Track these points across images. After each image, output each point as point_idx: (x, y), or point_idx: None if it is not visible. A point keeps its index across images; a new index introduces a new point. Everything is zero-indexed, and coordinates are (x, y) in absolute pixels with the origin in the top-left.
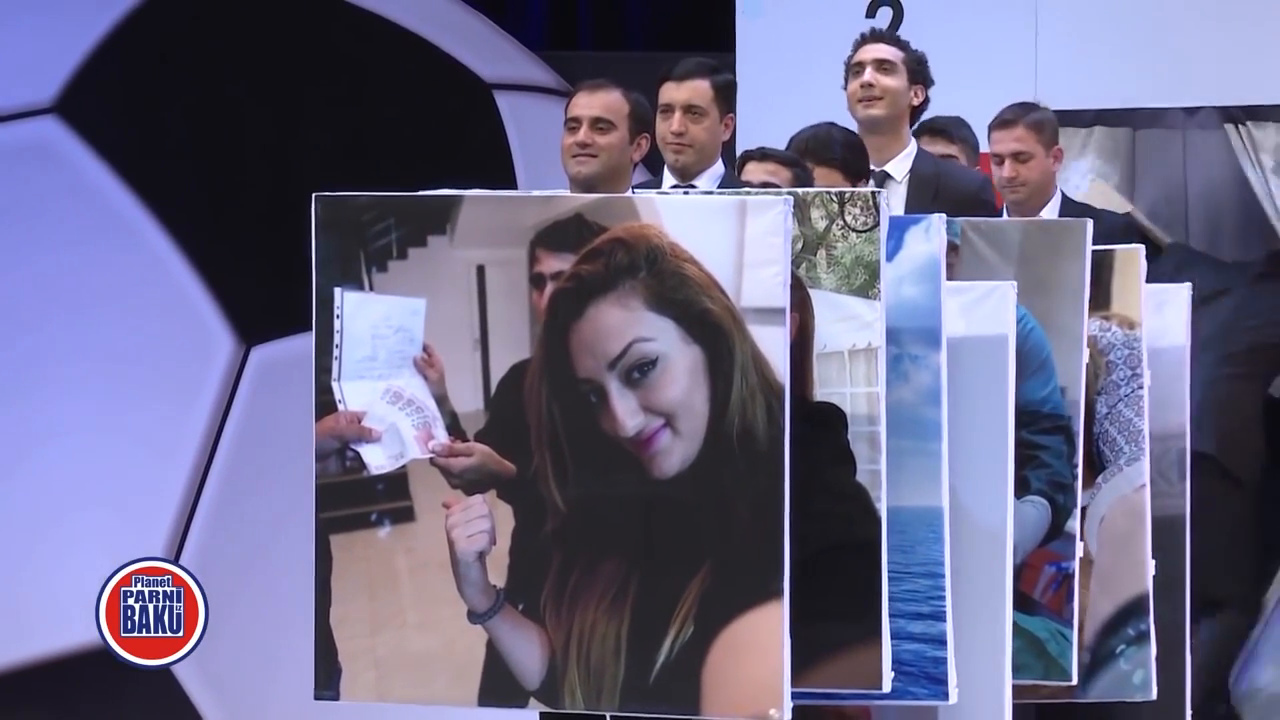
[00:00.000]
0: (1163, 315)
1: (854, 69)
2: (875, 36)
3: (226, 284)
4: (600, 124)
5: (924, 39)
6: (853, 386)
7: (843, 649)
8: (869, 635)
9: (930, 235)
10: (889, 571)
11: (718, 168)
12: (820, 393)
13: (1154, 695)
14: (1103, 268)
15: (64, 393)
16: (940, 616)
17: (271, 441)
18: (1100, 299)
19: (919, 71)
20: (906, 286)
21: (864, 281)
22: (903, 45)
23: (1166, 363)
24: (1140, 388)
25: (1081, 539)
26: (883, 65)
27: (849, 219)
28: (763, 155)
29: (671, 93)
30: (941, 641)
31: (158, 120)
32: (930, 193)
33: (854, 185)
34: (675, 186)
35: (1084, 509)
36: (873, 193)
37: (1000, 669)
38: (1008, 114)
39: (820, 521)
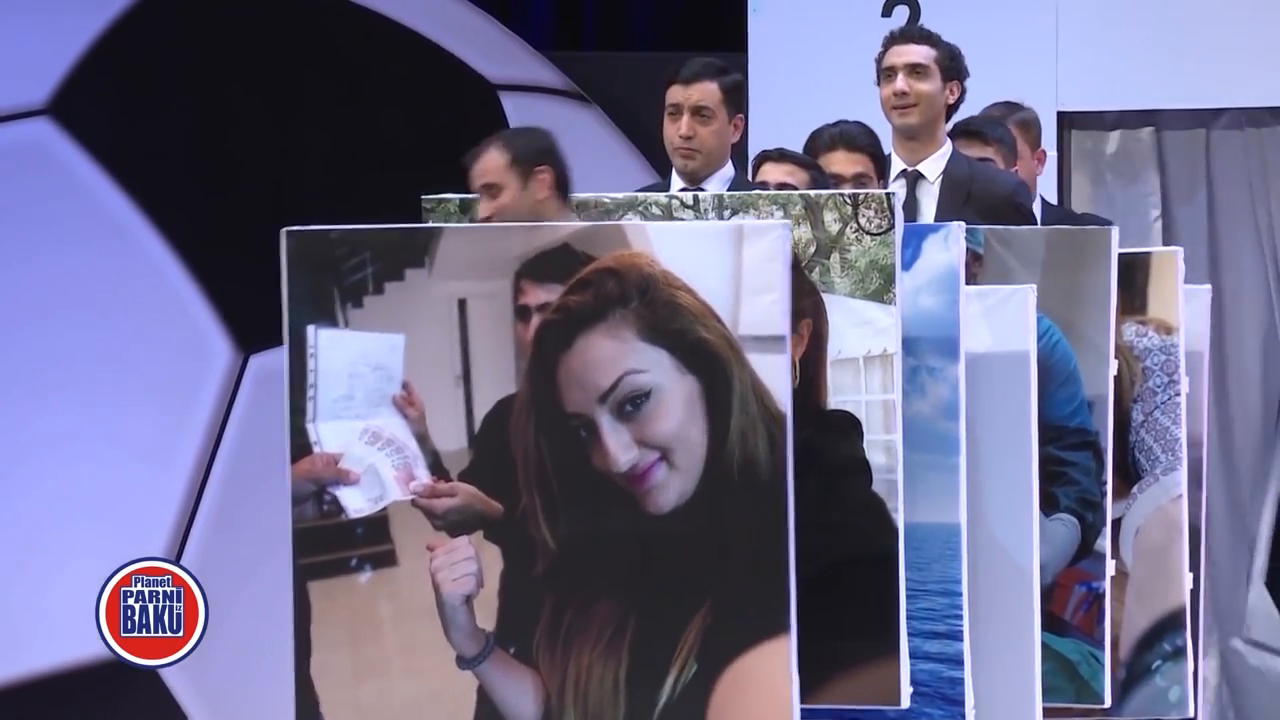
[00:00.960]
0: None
1: (885, 73)
2: (905, 36)
3: (224, 290)
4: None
5: None
6: (868, 394)
7: (860, 664)
8: (887, 650)
9: (949, 244)
10: (905, 589)
11: (727, 170)
12: (834, 400)
13: (1190, 712)
14: (1138, 270)
15: (59, 400)
16: (957, 636)
17: (270, 450)
18: (1136, 303)
19: (952, 68)
20: (924, 296)
21: (879, 286)
22: (934, 42)
23: (1186, 366)
24: (1177, 394)
25: (1113, 555)
26: (915, 70)
27: (863, 221)
28: (780, 156)
29: (679, 95)
30: (958, 661)
31: (153, 122)
32: (963, 195)
33: (879, 177)
34: (684, 189)
35: (1119, 520)
36: (887, 194)
37: (1030, 693)
38: (995, 111)
39: (835, 533)
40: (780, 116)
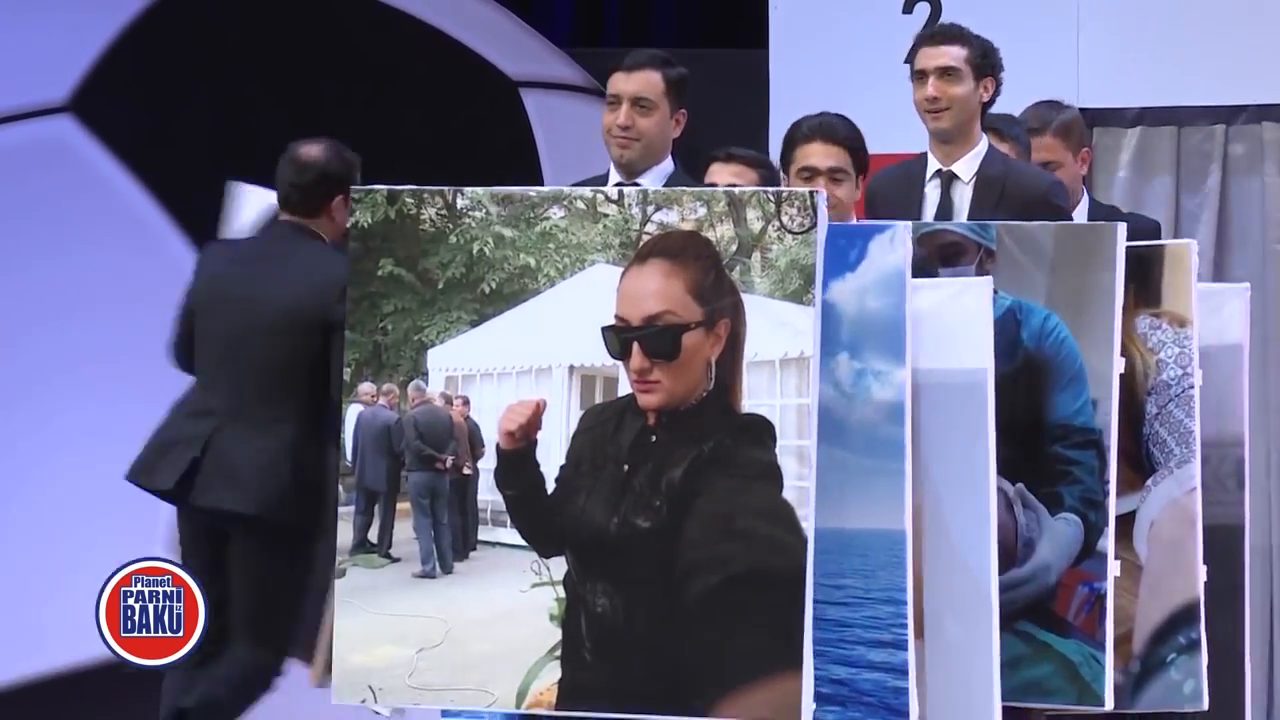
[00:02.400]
0: (1220, 316)
1: (917, 76)
2: (935, 38)
3: None
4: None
5: None
6: (783, 398)
7: (763, 677)
8: (791, 664)
9: (895, 245)
10: (849, 598)
11: (666, 165)
12: (748, 404)
13: (1205, 705)
14: (1153, 264)
15: (80, 397)
16: (902, 645)
17: None
18: (1150, 296)
19: (985, 65)
20: (870, 299)
21: (798, 287)
22: (966, 40)
23: (1224, 366)
24: (1191, 387)
25: (1128, 547)
26: (946, 73)
27: (785, 220)
28: (728, 157)
29: (620, 84)
30: (903, 671)
31: (175, 119)
32: (996, 194)
33: (859, 172)
34: (620, 184)
35: (1133, 513)
36: (811, 193)
37: (989, 697)
38: (1034, 121)
39: (743, 540)
40: (800, 112)
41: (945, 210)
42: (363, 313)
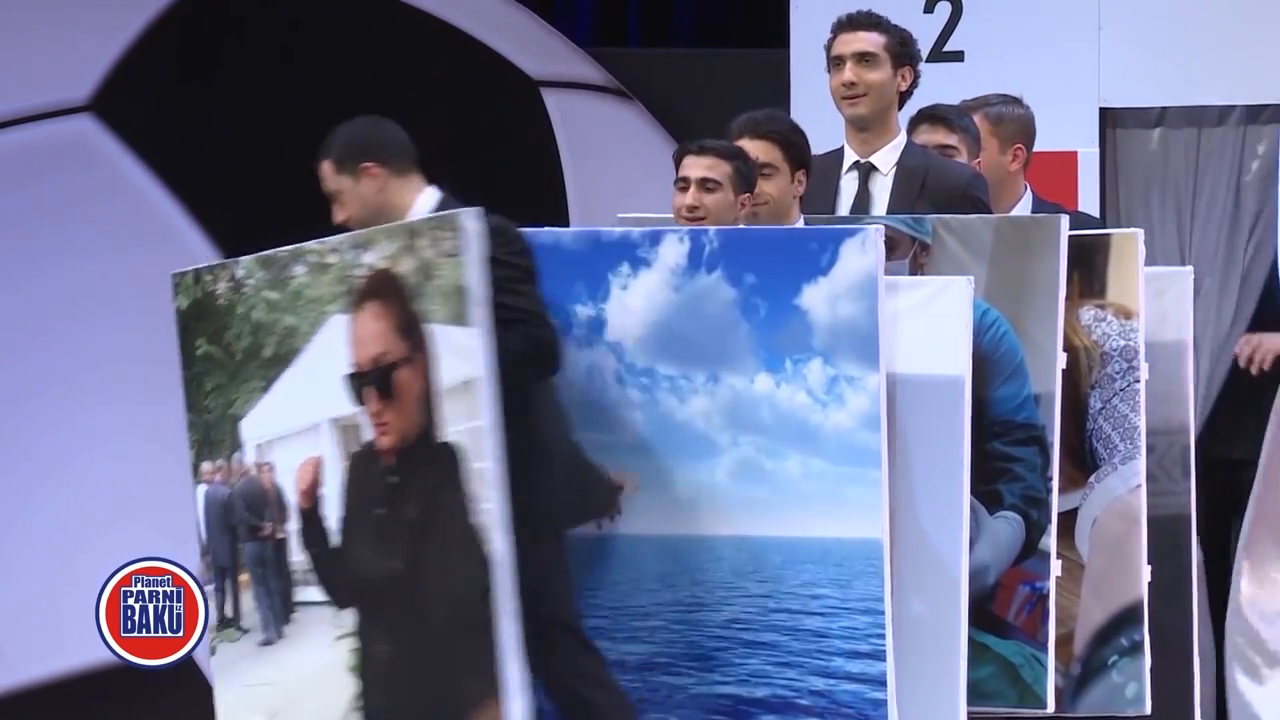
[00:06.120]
0: (1163, 302)
1: (834, 62)
2: (852, 23)
3: None
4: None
5: (984, 36)
6: (470, 422)
7: (477, 704)
8: (493, 691)
9: (867, 248)
10: (825, 608)
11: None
12: (448, 432)
13: (1147, 710)
14: (1097, 253)
15: (100, 398)
16: (880, 655)
17: None
18: (1095, 287)
19: (903, 54)
20: (842, 303)
21: (462, 310)
22: (884, 28)
23: (1168, 354)
24: (1137, 381)
25: (1070, 546)
26: (864, 59)
27: (445, 246)
28: (701, 149)
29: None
30: (881, 682)
31: (195, 119)
32: (917, 186)
33: (794, 169)
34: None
35: (1075, 510)
36: (457, 214)
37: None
38: (992, 99)
39: (458, 573)
40: (821, 112)
41: (863, 202)
42: (193, 394)
